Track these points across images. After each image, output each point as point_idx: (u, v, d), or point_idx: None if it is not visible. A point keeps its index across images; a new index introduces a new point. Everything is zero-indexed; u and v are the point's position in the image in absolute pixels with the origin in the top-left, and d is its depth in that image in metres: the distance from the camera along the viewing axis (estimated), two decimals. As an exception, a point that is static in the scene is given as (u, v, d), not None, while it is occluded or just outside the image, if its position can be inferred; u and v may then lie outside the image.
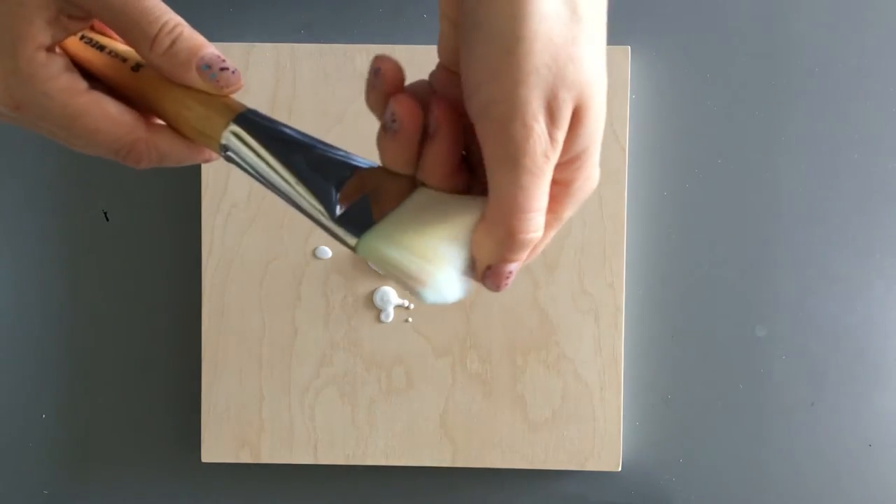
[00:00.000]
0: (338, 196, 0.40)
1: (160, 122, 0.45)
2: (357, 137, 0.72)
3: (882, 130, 0.75)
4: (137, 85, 0.44)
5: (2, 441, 0.78)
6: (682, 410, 0.76)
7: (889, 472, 0.76)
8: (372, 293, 0.73)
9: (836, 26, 0.75)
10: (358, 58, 0.72)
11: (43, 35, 0.41)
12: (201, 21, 0.74)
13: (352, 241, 0.40)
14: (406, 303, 0.73)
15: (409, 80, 0.45)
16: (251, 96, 0.72)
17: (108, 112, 0.43)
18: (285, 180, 0.42)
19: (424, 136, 0.40)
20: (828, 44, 0.75)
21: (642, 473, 0.76)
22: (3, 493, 0.78)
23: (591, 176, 0.42)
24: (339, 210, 0.40)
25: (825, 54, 0.75)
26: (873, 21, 0.75)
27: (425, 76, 0.48)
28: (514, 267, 0.40)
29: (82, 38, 0.45)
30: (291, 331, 0.73)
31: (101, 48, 0.45)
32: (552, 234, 0.42)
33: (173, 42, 0.43)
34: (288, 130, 0.42)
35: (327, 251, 0.73)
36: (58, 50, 0.43)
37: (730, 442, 0.76)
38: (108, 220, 0.76)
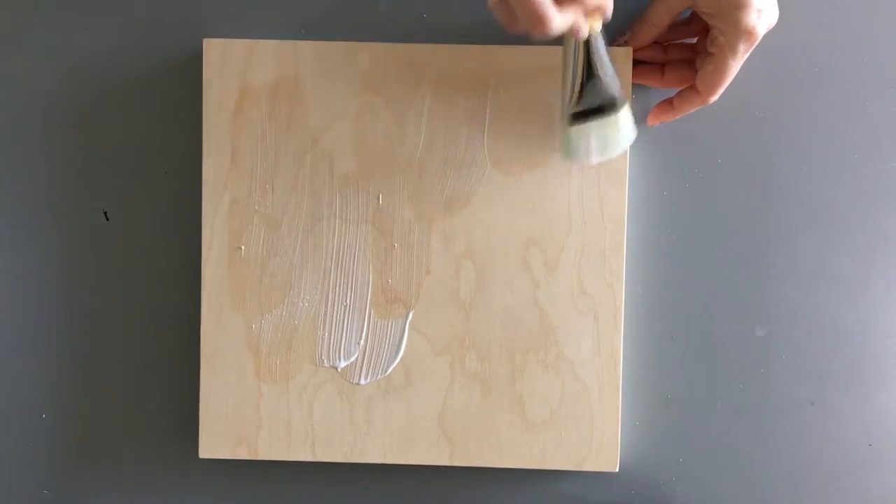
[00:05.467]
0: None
1: None
2: (358, 135, 0.73)
3: (882, 130, 0.75)
4: None
5: (2, 441, 0.78)
6: (681, 410, 0.76)
7: (889, 472, 0.76)
8: (371, 291, 0.73)
9: (836, 26, 0.75)
10: (359, 55, 0.73)
11: None
12: (203, 17, 0.75)
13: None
14: (405, 301, 0.74)
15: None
16: (253, 93, 0.72)
17: None
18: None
19: None
20: (828, 44, 0.75)
21: (642, 473, 0.76)
22: (3, 493, 0.78)
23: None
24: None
25: (825, 54, 0.75)
26: (873, 21, 0.75)
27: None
28: None
29: None
30: (290, 328, 0.73)
31: None
32: None
33: None
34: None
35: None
36: None
37: (730, 442, 0.76)
38: (108, 219, 0.77)
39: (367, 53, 0.73)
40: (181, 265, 0.76)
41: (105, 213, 0.77)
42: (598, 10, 0.62)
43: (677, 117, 0.73)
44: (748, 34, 0.66)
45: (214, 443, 0.74)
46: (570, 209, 0.73)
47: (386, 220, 0.73)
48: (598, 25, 0.64)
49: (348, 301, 0.73)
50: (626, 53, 0.72)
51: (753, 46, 0.67)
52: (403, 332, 0.73)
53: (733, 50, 0.67)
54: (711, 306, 0.76)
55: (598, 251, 0.73)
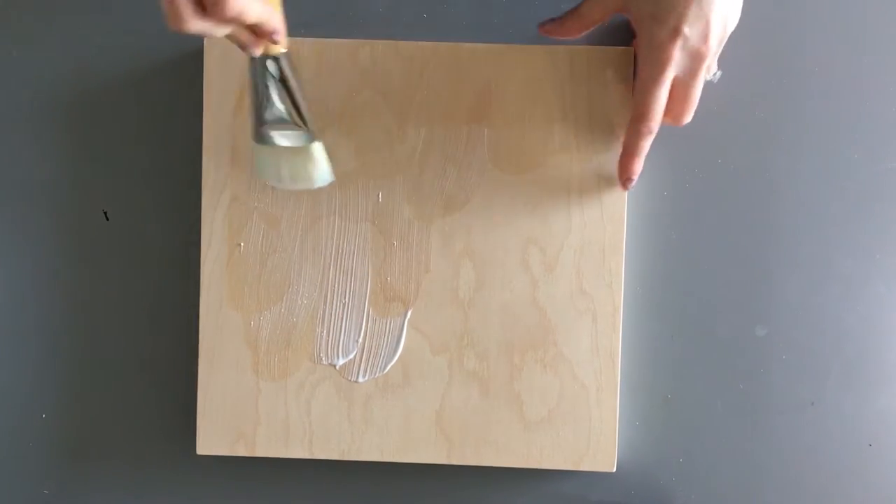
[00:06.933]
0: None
1: None
2: (359, 133, 0.73)
3: (882, 130, 0.75)
4: None
5: (2, 441, 0.78)
6: (681, 410, 0.76)
7: (889, 472, 0.75)
8: (370, 289, 0.73)
9: (836, 26, 0.75)
10: (359, 53, 0.73)
11: None
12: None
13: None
14: (404, 299, 0.74)
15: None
16: (252, 91, 0.73)
17: None
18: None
19: None
20: (828, 44, 0.75)
21: (642, 473, 0.76)
22: (3, 493, 0.78)
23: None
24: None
25: (825, 54, 0.75)
26: (873, 21, 0.75)
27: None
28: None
29: None
30: (289, 325, 0.73)
31: None
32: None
33: None
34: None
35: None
36: None
37: (730, 442, 0.76)
38: (108, 219, 0.77)
39: (367, 52, 0.73)
40: (180, 262, 0.76)
41: (105, 213, 0.77)
42: (266, 35, 0.60)
43: (635, 159, 0.70)
44: (659, 51, 0.64)
45: (212, 439, 0.74)
46: (569, 209, 0.73)
47: (385, 219, 0.73)
48: (275, 50, 0.62)
49: (347, 299, 0.73)
50: (625, 54, 0.72)
51: (668, 70, 0.65)
52: (402, 330, 0.73)
53: (647, 66, 0.66)
54: (711, 306, 0.75)
55: (597, 251, 0.73)
